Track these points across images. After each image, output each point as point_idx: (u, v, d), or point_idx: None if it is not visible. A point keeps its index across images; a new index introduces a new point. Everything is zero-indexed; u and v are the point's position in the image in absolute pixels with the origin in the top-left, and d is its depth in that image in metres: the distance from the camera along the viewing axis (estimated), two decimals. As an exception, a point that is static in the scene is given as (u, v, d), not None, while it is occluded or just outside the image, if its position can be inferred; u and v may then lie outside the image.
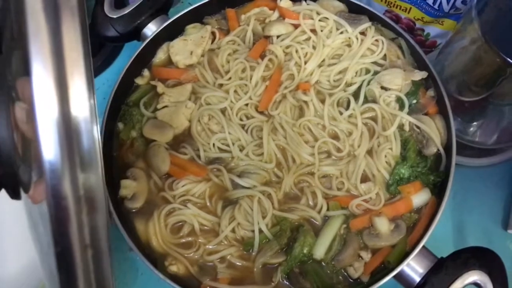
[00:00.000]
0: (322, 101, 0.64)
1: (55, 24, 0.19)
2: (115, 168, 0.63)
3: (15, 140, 0.30)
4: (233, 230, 0.58)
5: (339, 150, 0.62)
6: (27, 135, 0.30)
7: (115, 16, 0.67)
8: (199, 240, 0.59)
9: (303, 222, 0.59)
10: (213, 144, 0.63)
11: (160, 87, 0.66)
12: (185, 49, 0.68)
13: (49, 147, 0.18)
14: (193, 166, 0.61)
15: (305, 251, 0.57)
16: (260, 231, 0.58)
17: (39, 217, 0.32)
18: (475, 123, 0.70)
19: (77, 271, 0.20)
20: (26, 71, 0.31)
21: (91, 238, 0.20)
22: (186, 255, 0.58)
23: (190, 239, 0.59)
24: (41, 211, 0.30)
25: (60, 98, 0.19)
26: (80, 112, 0.19)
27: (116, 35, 0.68)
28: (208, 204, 0.60)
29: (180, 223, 0.60)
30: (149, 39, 0.67)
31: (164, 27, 0.68)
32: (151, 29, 0.68)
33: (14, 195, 0.33)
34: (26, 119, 0.31)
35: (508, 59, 0.51)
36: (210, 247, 0.58)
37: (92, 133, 0.19)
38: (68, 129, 0.19)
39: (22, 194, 0.34)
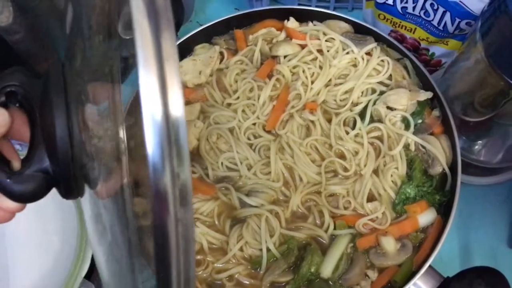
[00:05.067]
0: (329, 121, 0.65)
1: (157, 33, 0.21)
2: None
3: (83, 139, 0.33)
4: (241, 249, 0.59)
5: (345, 169, 0.62)
6: (98, 135, 0.34)
7: (127, 37, 0.68)
8: (208, 259, 0.60)
9: (310, 241, 0.59)
10: (221, 163, 0.64)
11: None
12: (194, 69, 0.69)
13: (154, 145, 0.21)
14: (202, 185, 0.62)
15: (312, 270, 0.57)
16: (268, 249, 0.58)
17: (104, 210, 0.36)
18: (480, 141, 0.70)
19: (172, 258, 0.23)
20: (110, 77, 0.36)
21: (183, 229, 0.22)
22: (195, 273, 0.59)
23: (199, 257, 0.60)
24: (107, 204, 0.35)
25: (163, 99, 0.21)
26: (176, 112, 0.21)
27: (126, 56, 0.69)
28: (216, 222, 0.61)
29: (189, 242, 0.61)
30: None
31: (174, 47, 0.69)
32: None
33: (66, 194, 0.35)
34: (100, 120, 0.35)
35: (511, 82, 0.52)
36: (219, 265, 0.59)
37: (184, 131, 0.21)
38: (168, 128, 0.21)
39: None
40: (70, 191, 0.35)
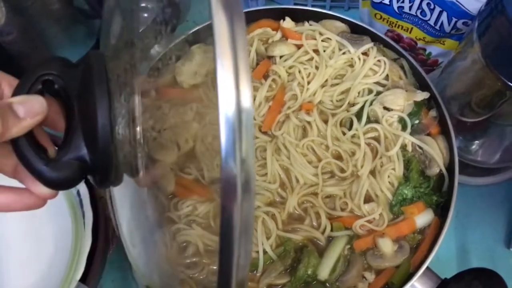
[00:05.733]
0: (325, 121, 0.65)
1: (232, 31, 0.24)
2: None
3: (131, 130, 0.36)
4: (237, 251, 0.59)
5: (342, 170, 0.62)
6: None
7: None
8: (204, 261, 0.59)
9: (307, 242, 0.59)
10: (217, 165, 0.63)
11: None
12: (190, 69, 0.69)
13: (227, 136, 0.24)
14: (197, 186, 0.62)
15: (309, 272, 0.57)
16: (264, 252, 0.58)
17: (146, 197, 0.40)
18: (476, 142, 0.70)
19: (235, 240, 0.26)
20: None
21: (245, 213, 0.25)
22: (191, 275, 0.58)
23: (195, 259, 0.59)
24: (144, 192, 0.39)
25: (236, 92, 0.24)
26: (246, 104, 0.24)
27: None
28: (212, 224, 0.61)
29: (185, 244, 0.60)
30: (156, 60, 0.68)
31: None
32: (156, 49, 0.69)
33: (101, 182, 0.36)
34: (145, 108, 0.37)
35: (509, 83, 0.52)
36: (215, 267, 0.59)
37: (252, 123, 0.24)
38: (239, 119, 0.24)
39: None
40: (106, 180, 0.36)
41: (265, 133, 0.65)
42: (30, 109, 0.32)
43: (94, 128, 0.33)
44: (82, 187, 0.63)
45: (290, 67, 0.68)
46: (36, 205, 0.35)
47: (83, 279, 0.60)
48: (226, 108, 0.24)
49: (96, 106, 0.33)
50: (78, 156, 0.34)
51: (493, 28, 0.50)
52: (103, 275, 0.68)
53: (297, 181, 0.62)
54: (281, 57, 0.69)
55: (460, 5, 0.63)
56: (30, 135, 0.33)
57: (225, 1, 0.24)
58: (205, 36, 0.71)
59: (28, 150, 0.32)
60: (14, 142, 0.32)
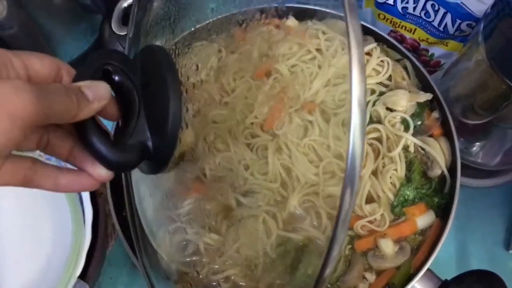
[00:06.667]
0: (327, 121, 0.65)
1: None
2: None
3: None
4: (237, 250, 0.58)
5: (343, 170, 0.62)
6: None
7: (122, 33, 0.67)
8: (204, 260, 0.59)
9: (307, 242, 0.59)
10: (219, 163, 0.63)
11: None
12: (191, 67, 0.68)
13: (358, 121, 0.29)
14: (199, 185, 0.61)
15: (309, 271, 0.57)
16: (265, 251, 0.58)
17: None
18: (478, 143, 0.70)
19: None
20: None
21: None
22: (190, 274, 0.58)
23: (194, 258, 0.59)
24: None
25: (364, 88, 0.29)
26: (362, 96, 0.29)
27: (122, 51, 0.68)
28: (213, 223, 0.60)
29: (185, 242, 0.60)
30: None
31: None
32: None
33: (157, 168, 0.39)
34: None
35: (513, 85, 0.52)
36: (215, 266, 0.59)
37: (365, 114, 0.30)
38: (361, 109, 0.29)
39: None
40: (164, 165, 0.38)
41: (266, 132, 0.65)
42: (97, 93, 0.33)
43: (164, 115, 0.36)
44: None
45: (293, 66, 0.68)
46: (93, 186, 0.36)
47: (82, 276, 0.59)
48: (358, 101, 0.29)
49: (169, 95, 0.35)
50: (141, 140, 0.36)
51: (499, 30, 0.50)
52: (101, 273, 0.68)
53: (298, 180, 0.62)
54: (283, 55, 0.68)
55: (465, 7, 0.63)
56: (93, 119, 0.34)
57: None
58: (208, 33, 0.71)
59: (93, 133, 0.33)
60: (80, 125, 0.33)
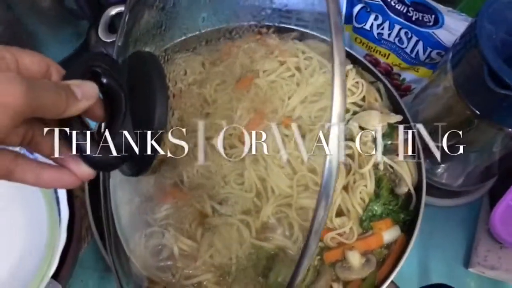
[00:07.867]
0: (303, 136, 0.67)
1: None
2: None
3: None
4: (211, 256, 0.60)
5: (316, 184, 0.64)
6: None
7: (108, 40, 0.69)
8: (177, 265, 0.60)
9: (279, 251, 0.61)
10: (197, 171, 0.64)
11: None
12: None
13: (338, 132, 0.32)
14: (176, 191, 0.63)
15: (279, 279, 0.59)
16: (237, 258, 0.59)
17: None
18: (442, 165, 0.74)
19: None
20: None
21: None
22: (164, 278, 0.59)
23: (168, 263, 0.60)
24: None
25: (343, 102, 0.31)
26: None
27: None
28: (188, 229, 0.62)
29: (160, 247, 0.61)
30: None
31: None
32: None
33: (140, 170, 0.40)
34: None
35: (477, 111, 0.55)
36: (188, 272, 0.60)
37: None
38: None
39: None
40: (146, 168, 0.40)
41: (244, 143, 0.67)
42: (85, 92, 0.34)
43: (150, 118, 0.37)
44: (59, 184, 0.64)
45: (273, 82, 0.70)
46: (74, 184, 0.36)
47: (54, 277, 0.60)
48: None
49: (156, 99, 0.37)
50: (125, 141, 0.37)
51: (466, 60, 0.54)
52: (72, 275, 0.68)
53: (273, 191, 0.64)
54: (264, 71, 0.71)
55: (436, 36, 0.67)
56: (79, 118, 0.35)
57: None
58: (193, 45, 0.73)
59: (79, 132, 0.34)
60: (66, 122, 0.34)
